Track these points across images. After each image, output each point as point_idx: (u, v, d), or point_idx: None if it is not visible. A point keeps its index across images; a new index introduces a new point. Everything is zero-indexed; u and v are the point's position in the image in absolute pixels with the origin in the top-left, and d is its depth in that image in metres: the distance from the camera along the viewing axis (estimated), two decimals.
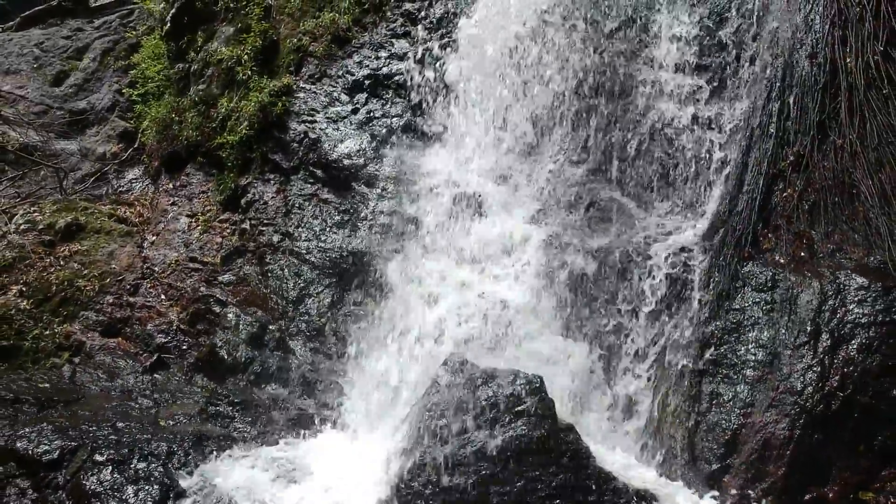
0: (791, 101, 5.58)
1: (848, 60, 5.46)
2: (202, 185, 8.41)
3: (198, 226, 7.91)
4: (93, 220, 8.12)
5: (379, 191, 6.59)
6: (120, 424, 4.81)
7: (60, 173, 8.63)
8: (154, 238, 8.04)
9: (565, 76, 6.77)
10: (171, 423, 5.09)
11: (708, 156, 5.89)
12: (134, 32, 11.23)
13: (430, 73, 7.30)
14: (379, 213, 6.40)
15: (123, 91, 10.29)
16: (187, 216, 8.10)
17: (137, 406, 5.41)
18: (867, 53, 5.39)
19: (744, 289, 4.75)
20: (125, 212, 8.62)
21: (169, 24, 9.06)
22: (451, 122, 6.95)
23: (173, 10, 9.00)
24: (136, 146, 9.78)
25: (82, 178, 9.60)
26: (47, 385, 5.68)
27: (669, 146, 6.09)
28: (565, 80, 6.76)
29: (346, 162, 6.84)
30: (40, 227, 7.99)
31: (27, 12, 12.50)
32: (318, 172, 7.06)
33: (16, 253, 7.66)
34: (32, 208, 8.29)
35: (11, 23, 12.52)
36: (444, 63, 7.30)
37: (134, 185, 9.44)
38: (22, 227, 7.99)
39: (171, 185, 8.73)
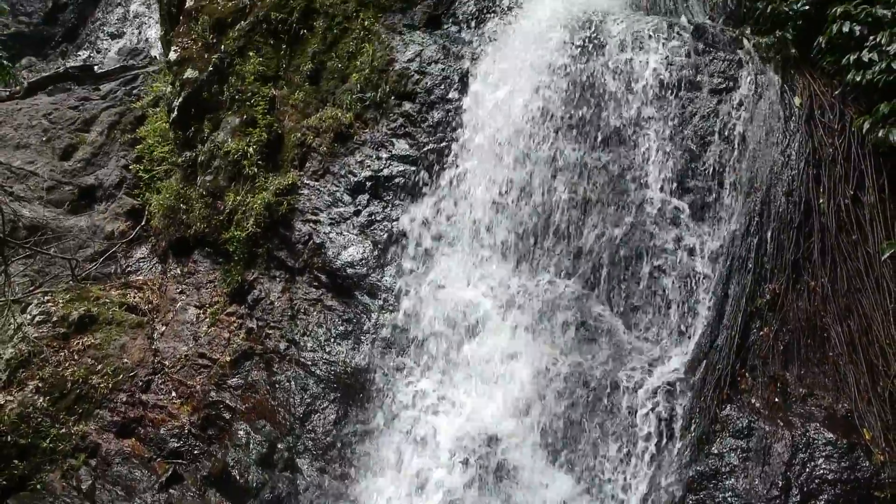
0: (768, 236, 5.96)
1: (821, 201, 5.84)
2: (209, 274, 8.74)
3: (206, 318, 8.25)
4: (105, 311, 8.44)
5: (380, 302, 6.93)
6: None
7: (72, 262, 8.94)
8: (164, 329, 8.38)
9: (557, 188, 7.12)
10: None
11: (691, 281, 6.25)
12: (139, 103, 11.57)
13: (426, 177, 7.63)
14: (380, 327, 6.75)
15: (130, 167, 10.62)
16: (195, 307, 8.44)
17: None
18: (839, 196, 5.77)
19: (722, 433, 5.12)
20: (135, 297, 8.95)
21: (176, 113, 9.38)
22: (448, 230, 7.29)
23: (180, 100, 9.32)
24: (143, 224, 10.11)
25: (92, 256, 9.93)
26: None
27: (656, 268, 6.45)
28: (558, 192, 7.11)
29: (349, 271, 7.19)
30: (54, 318, 8.32)
31: (35, 78, 12.85)
32: (323, 277, 7.40)
33: (31, 347, 7.98)
34: (46, 297, 8.61)
35: (19, 87, 12.86)
36: (440, 167, 7.65)
37: (142, 264, 9.78)
38: (37, 318, 8.31)
39: (178, 271, 9.07)
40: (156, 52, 16.56)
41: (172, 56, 9.63)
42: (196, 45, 9.61)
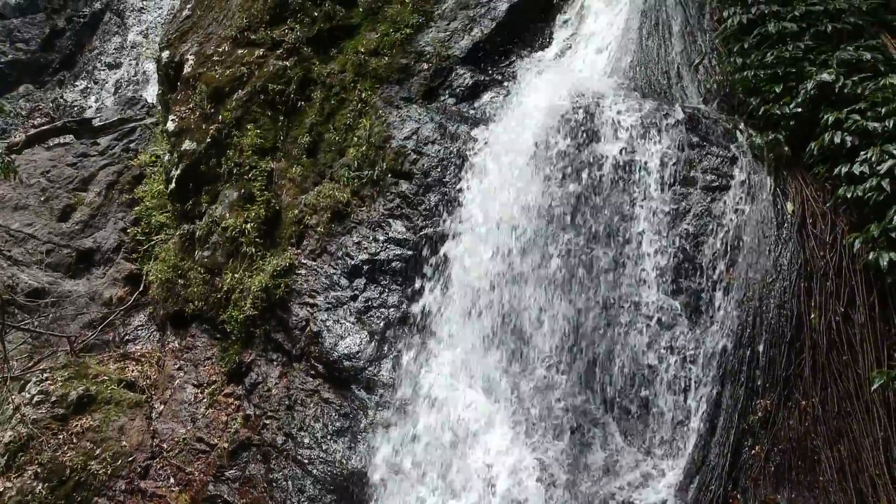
0: (760, 349, 6.03)
1: (812, 316, 5.90)
2: (207, 350, 8.80)
3: (204, 398, 8.31)
4: (103, 390, 8.50)
5: (377, 398, 7.00)
6: None
7: (71, 339, 8.98)
8: (162, 408, 8.44)
9: (550, 278, 7.17)
10: None
11: (685, 388, 6.31)
12: (137, 161, 11.60)
13: (427, 271, 7.68)
14: (377, 426, 6.81)
15: (128, 230, 10.66)
16: (193, 385, 8.50)
17: None
18: (830, 312, 5.84)
19: None
20: (133, 371, 9.01)
21: (174, 185, 9.43)
22: (444, 325, 7.35)
23: (178, 172, 9.37)
24: (141, 290, 10.16)
25: (90, 323, 9.97)
26: None
27: (650, 371, 6.51)
28: (552, 285, 7.16)
29: (346, 363, 7.25)
30: (53, 398, 8.36)
31: (32, 132, 12.86)
32: (320, 367, 7.47)
33: (30, 429, 8.02)
34: (44, 374, 8.65)
35: (17, 139, 12.86)
36: (436, 258, 7.70)
37: (140, 332, 9.82)
38: (35, 398, 8.36)
39: (176, 345, 9.12)
40: (152, 94, 16.48)
41: (171, 126, 9.68)
42: (194, 115, 9.66)
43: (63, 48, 22.65)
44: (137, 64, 21.37)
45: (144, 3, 22.82)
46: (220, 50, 10.09)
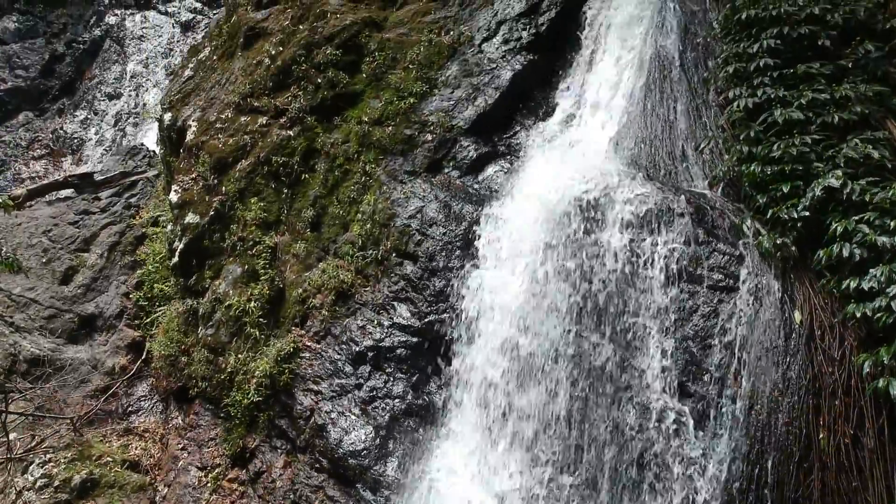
0: (769, 466, 6.00)
1: (821, 437, 5.87)
2: (210, 430, 8.76)
3: (207, 482, 8.27)
4: (107, 473, 8.48)
5: (382, 500, 6.97)
6: None
7: (73, 419, 8.95)
8: (166, 491, 8.41)
9: (560, 371, 7.14)
10: None
11: (692, 500, 6.28)
12: (138, 220, 11.57)
13: (432, 357, 7.66)
14: None
15: (131, 295, 10.62)
16: (197, 468, 8.46)
17: None
18: (839, 434, 5.81)
19: None
20: (136, 448, 8.99)
21: (177, 259, 9.38)
22: (450, 419, 7.33)
23: (181, 246, 9.32)
24: (143, 357, 10.13)
25: (93, 392, 9.94)
26: None
27: (656, 478, 6.48)
28: (559, 376, 7.13)
29: (351, 461, 7.22)
30: (56, 483, 8.34)
31: (34, 186, 12.82)
32: (325, 462, 7.44)
33: None
34: (47, 456, 8.62)
35: (19, 192, 12.81)
36: (441, 345, 7.68)
37: (143, 403, 9.79)
38: (38, 483, 8.33)
39: (180, 421, 9.09)
40: (153, 130, 16.37)
41: (174, 198, 9.64)
42: (197, 186, 9.63)
43: (63, 74, 22.59)
44: (137, 95, 21.33)
45: (144, 30, 22.74)
46: (223, 116, 10.05)
